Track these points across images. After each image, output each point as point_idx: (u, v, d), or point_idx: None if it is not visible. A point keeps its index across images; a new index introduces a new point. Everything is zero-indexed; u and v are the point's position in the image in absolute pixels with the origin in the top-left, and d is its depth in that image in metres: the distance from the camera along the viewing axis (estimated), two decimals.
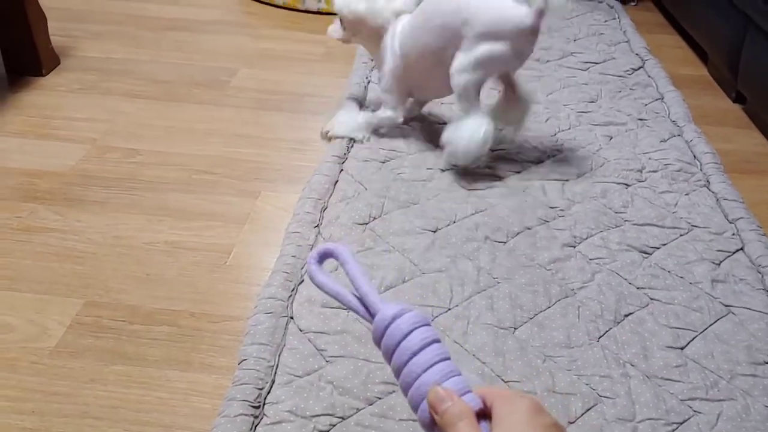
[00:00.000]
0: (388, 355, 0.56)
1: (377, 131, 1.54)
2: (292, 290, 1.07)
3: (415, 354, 0.54)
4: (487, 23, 1.29)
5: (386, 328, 0.56)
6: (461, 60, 1.33)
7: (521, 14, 1.27)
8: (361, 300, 0.59)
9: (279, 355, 0.96)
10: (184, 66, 1.86)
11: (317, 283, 0.61)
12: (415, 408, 0.54)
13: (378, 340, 0.57)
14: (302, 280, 1.10)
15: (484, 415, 0.51)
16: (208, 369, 0.97)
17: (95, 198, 1.31)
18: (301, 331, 1.01)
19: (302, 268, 1.12)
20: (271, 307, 1.03)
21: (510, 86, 1.43)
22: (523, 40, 1.31)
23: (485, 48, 1.30)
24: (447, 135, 1.38)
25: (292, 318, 1.03)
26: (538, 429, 0.48)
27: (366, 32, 1.50)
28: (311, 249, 1.17)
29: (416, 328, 0.55)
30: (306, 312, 1.04)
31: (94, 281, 1.11)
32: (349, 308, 0.60)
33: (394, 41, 1.46)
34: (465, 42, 1.32)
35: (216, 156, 1.46)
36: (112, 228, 1.23)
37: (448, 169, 1.43)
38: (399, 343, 0.55)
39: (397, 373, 0.55)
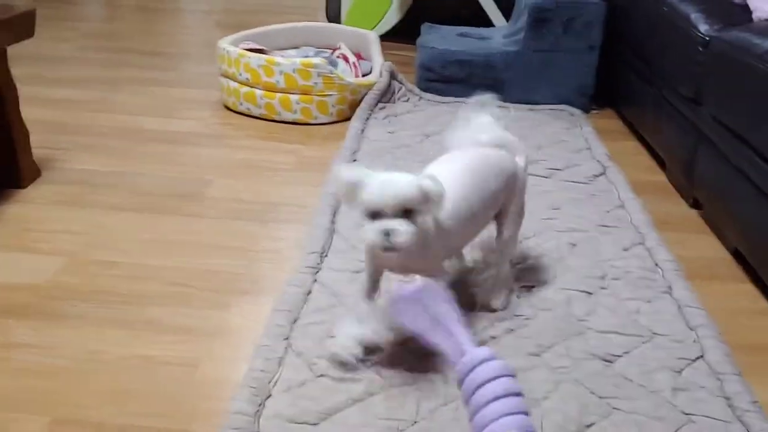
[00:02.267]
0: (468, 393, 0.57)
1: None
2: (260, 405, 1.09)
3: (498, 398, 0.56)
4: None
5: (474, 367, 0.57)
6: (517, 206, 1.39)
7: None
8: (450, 338, 0.61)
9: None
10: (164, 178, 1.92)
11: (404, 323, 0.64)
12: None
13: (462, 378, 0.58)
14: (270, 395, 1.12)
15: None
16: None
17: (71, 312, 1.33)
18: None
19: (270, 382, 1.14)
20: (240, 423, 1.04)
21: None
22: None
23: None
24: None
25: None
26: None
27: None
28: (279, 362, 1.19)
29: (504, 375, 0.57)
30: (273, 427, 1.06)
31: (64, 398, 1.12)
32: (436, 344, 0.61)
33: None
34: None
35: (191, 268, 1.50)
36: (87, 343, 1.25)
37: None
38: (484, 384, 0.57)
39: (474, 412, 0.56)
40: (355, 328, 1.21)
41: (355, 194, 1.12)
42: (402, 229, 1.07)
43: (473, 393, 0.57)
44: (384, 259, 1.19)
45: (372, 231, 1.09)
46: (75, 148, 2.08)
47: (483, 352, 0.59)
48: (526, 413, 0.56)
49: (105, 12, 4.09)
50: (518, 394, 0.57)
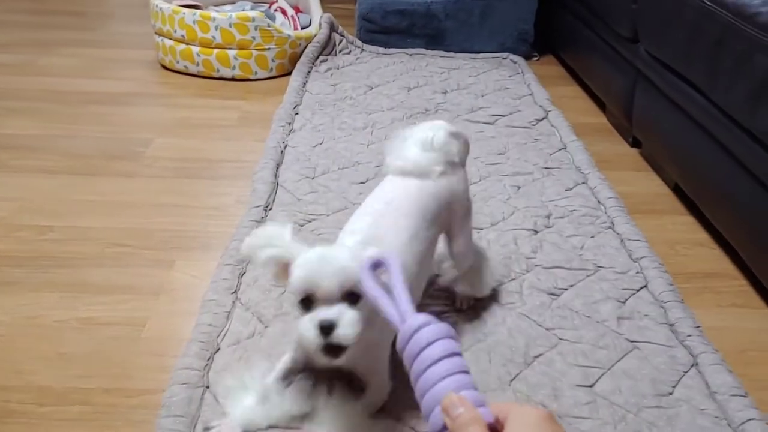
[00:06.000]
0: (410, 361, 0.59)
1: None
2: (208, 359, 1.07)
3: (435, 362, 0.57)
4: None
5: (412, 335, 0.59)
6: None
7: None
8: (395, 307, 0.64)
9: (194, 426, 0.95)
10: (100, 139, 1.85)
11: (364, 286, 0.69)
12: (427, 414, 0.56)
13: (403, 346, 0.60)
14: (218, 349, 1.10)
15: (495, 430, 0.53)
16: None
17: (5, 279, 1.28)
18: (217, 401, 1.00)
19: (218, 336, 1.12)
20: (187, 378, 1.02)
21: None
22: None
23: None
24: None
25: (208, 387, 1.02)
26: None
27: None
28: (228, 316, 1.17)
29: (440, 339, 0.59)
30: (222, 380, 1.04)
31: (4, 364, 1.08)
32: (383, 312, 0.64)
33: None
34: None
35: (130, 228, 1.46)
36: (23, 308, 1.21)
37: None
38: (422, 350, 0.58)
39: (416, 379, 0.58)
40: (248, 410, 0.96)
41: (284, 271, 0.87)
42: (346, 318, 0.79)
43: (413, 361, 0.59)
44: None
45: (306, 325, 0.81)
46: (3, 114, 1.98)
47: (420, 318, 0.60)
48: (466, 372, 0.58)
49: None
50: (457, 354, 0.59)
